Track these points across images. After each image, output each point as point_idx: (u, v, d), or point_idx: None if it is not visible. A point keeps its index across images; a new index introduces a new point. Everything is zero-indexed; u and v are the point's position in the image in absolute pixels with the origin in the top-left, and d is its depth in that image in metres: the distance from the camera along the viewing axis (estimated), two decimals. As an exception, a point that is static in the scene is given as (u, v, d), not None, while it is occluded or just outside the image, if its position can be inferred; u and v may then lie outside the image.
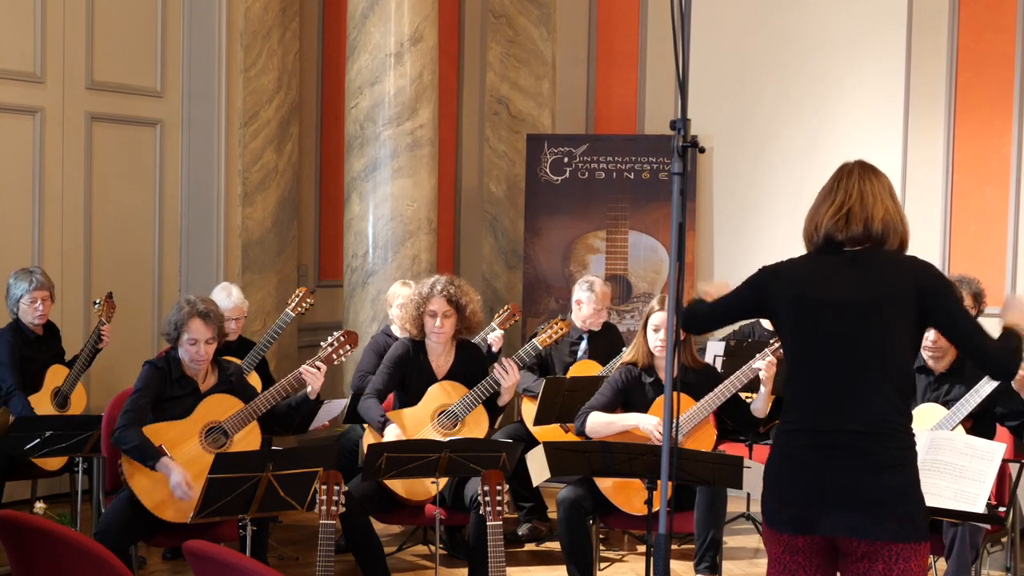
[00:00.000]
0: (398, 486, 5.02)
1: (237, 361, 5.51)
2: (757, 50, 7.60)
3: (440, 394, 5.27)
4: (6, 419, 5.37)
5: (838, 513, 2.92)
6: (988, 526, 4.45)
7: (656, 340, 5.00)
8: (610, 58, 8.22)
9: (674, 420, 3.00)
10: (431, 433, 5.17)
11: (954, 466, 4.12)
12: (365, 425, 5.51)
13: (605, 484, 4.89)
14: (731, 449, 6.04)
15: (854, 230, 3.01)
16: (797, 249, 3.20)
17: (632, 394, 5.07)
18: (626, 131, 8.05)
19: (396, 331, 6.06)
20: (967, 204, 6.91)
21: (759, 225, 7.51)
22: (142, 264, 7.14)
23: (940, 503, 4.04)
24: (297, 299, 6.13)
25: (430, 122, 7.20)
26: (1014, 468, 4.83)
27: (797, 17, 7.45)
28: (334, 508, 4.02)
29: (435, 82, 7.24)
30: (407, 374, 5.32)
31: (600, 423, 4.97)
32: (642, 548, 5.90)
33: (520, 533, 6.07)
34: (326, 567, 3.96)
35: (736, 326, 6.75)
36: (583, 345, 6.30)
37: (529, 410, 5.96)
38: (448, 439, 4.83)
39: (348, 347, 5.01)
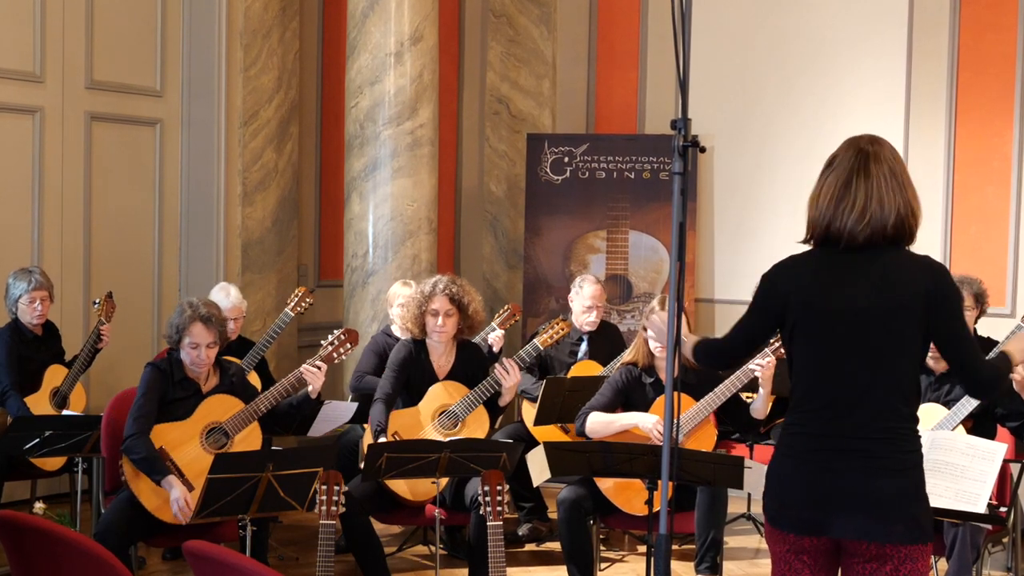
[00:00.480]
0: (399, 486, 5.01)
1: (237, 361, 5.50)
2: (758, 50, 7.60)
3: (441, 394, 5.26)
4: (4, 419, 5.37)
5: (847, 516, 2.90)
6: (989, 526, 4.45)
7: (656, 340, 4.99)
8: (611, 57, 8.21)
9: (674, 420, 3.00)
10: (432, 433, 5.17)
11: (955, 466, 4.12)
12: (365, 425, 5.51)
13: (606, 484, 4.89)
14: (732, 449, 6.04)
15: (875, 230, 2.92)
16: (797, 249, 3.17)
17: (632, 394, 5.07)
18: (627, 131, 8.05)
19: (396, 331, 6.05)
20: (968, 204, 6.91)
21: (760, 225, 7.50)
22: (142, 264, 7.13)
23: (941, 503, 4.03)
24: (296, 299, 6.12)
25: (430, 122, 7.20)
26: (1015, 468, 4.83)
27: (798, 17, 7.45)
28: (334, 508, 4.01)
29: (435, 82, 7.23)
30: (409, 375, 5.31)
31: (600, 423, 4.97)
32: (642, 548, 5.90)
33: (520, 533, 6.07)
34: (326, 567, 3.96)
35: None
36: (583, 346, 6.30)
37: (529, 411, 5.95)
38: (448, 439, 4.83)
39: (348, 345, 5.01)
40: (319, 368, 4.87)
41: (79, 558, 2.96)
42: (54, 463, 5.48)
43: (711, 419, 5.08)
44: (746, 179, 7.66)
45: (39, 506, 5.53)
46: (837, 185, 2.97)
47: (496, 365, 5.31)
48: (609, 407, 5.09)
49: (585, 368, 6.12)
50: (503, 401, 5.30)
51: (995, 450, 4.14)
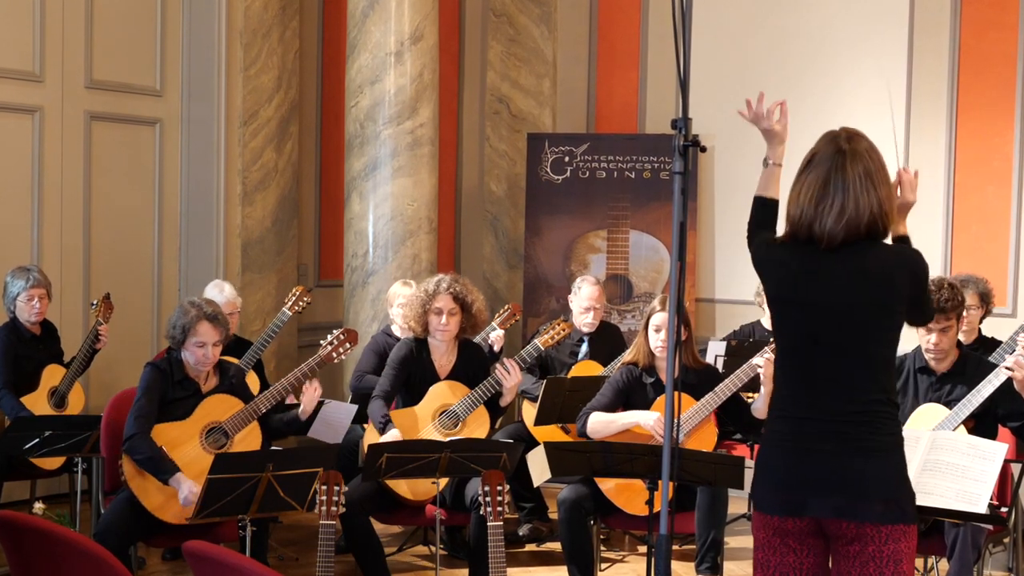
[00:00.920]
0: (399, 486, 5.00)
1: (235, 361, 5.50)
2: (758, 49, 7.59)
3: (441, 394, 5.26)
4: (2, 419, 5.37)
5: (824, 496, 2.97)
6: (990, 526, 4.44)
7: (657, 340, 4.99)
8: (611, 57, 8.21)
9: (675, 421, 3.01)
10: (432, 433, 5.16)
11: (956, 466, 4.11)
12: (365, 425, 5.50)
13: (606, 485, 4.88)
14: (732, 450, 6.03)
15: (850, 229, 3.01)
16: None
17: (633, 394, 5.07)
18: (627, 130, 8.04)
19: (396, 331, 6.04)
20: (969, 204, 6.90)
21: (760, 224, 7.48)
22: (141, 263, 7.12)
23: (942, 503, 4.02)
24: (294, 298, 6.12)
25: (430, 121, 7.19)
26: (1016, 468, 4.82)
27: (798, 16, 7.44)
28: (334, 508, 4.01)
29: (435, 81, 7.23)
30: (410, 375, 5.31)
31: (601, 422, 4.97)
32: (643, 548, 5.89)
33: (521, 533, 6.06)
34: (326, 567, 3.95)
35: (737, 326, 6.74)
36: (584, 346, 6.29)
37: (530, 411, 5.95)
38: (449, 439, 4.82)
39: (348, 345, 5.00)
40: (315, 388, 4.86)
41: (78, 558, 2.95)
42: (53, 463, 5.47)
43: (712, 419, 5.07)
44: (747, 179, 7.58)
45: (39, 506, 5.52)
46: (816, 185, 3.06)
47: (497, 365, 5.31)
48: (610, 407, 5.08)
49: (585, 368, 6.11)
50: (504, 401, 5.29)
51: (996, 450, 4.13)
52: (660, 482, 3.54)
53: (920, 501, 3.14)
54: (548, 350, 5.89)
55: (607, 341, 6.31)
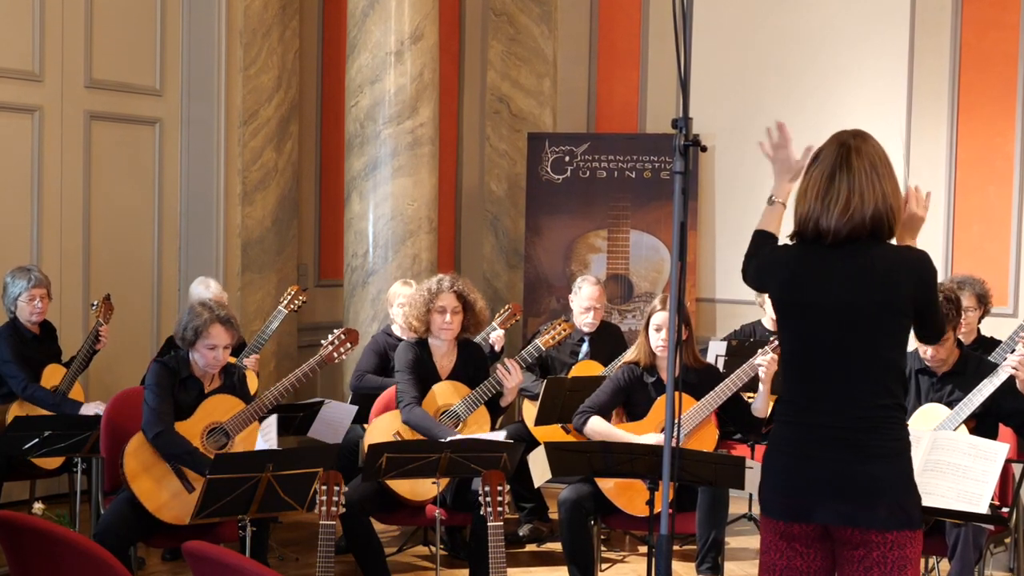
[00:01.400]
0: (400, 486, 4.99)
1: (232, 360, 5.49)
2: (759, 48, 7.58)
3: (442, 394, 5.25)
4: (2, 419, 5.36)
5: (831, 502, 2.95)
6: (991, 527, 4.43)
7: (658, 340, 4.98)
8: (611, 56, 8.20)
9: (676, 421, 3.00)
10: (432, 433, 5.15)
11: (957, 466, 4.10)
12: (365, 425, 5.50)
13: (607, 485, 4.88)
14: (733, 450, 6.02)
15: (856, 223, 2.99)
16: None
17: (634, 394, 5.06)
18: (627, 130, 8.03)
19: (397, 331, 6.04)
20: (970, 203, 6.89)
21: (761, 224, 7.47)
22: (141, 263, 7.12)
23: (943, 503, 4.02)
24: (289, 297, 6.12)
25: (430, 121, 7.18)
26: (1017, 468, 4.81)
27: (799, 15, 7.44)
28: (334, 508, 4.00)
29: (436, 80, 7.22)
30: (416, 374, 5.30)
31: (599, 433, 4.95)
32: (644, 549, 5.88)
33: (521, 534, 6.05)
34: (326, 568, 3.94)
35: (737, 326, 6.74)
36: (584, 346, 6.29)
37: (530, 411, 5.94)
38: (449, 439, 4.81)
39: (348, 345, 4.99)
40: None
41: (78, 558, 2.95)
42: (52, 462, 5.46)
43: (712, 419, 5.07)
44: (747, 178, 7.64)
45: (38, 506, 5.52)
46: (822, 180, 3.05)
47: (498, 365, 5.30)
48: (609, 405, 5.08)
49: (586, 368, 6.10)
50: (505, 401, 5.29)
51: (997, 450, 4.12)
52: (661, 482, 3.53)
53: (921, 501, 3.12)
54: (549, 350, 5.88)
55: (608, 341, 6.31)
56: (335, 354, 4.98)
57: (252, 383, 5.87)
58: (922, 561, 5.23)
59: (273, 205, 7.41)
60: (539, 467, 4.41)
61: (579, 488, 4.91)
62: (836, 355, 3.00)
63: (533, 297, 7.78)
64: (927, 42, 6.97)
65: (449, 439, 4.80)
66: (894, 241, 3.08)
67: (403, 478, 4.73)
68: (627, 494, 4.88)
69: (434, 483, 4.70)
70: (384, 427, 5.22)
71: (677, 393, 3.03)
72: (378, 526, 5.14)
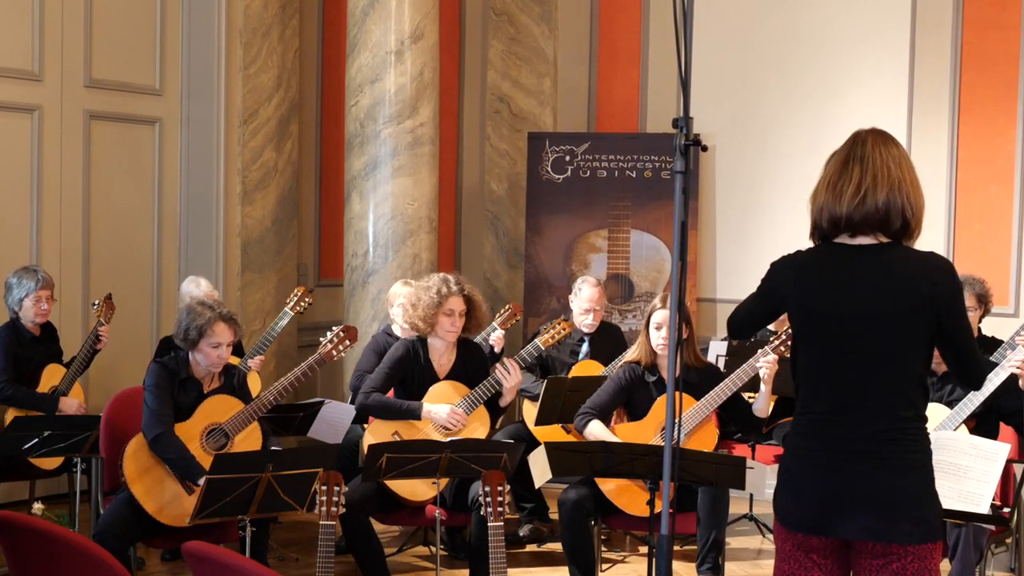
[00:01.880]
0: (400, 486, 4.99)
1: (235, 361, 5.48)
2: (760, 48, 7.58)
3: (442, 394, 5.24)
4: (1, 420, 5.35)
5: (853, 516, 2.90)
6: (992, 527, 4.43)
7: (658, 338, 4.97)
8: (612, 56, 8.19)
9: (676, 420, 2.98)
10: (432, 433, 5.15)
11: (958, 466, 4.10)
12: (365, 426, 5.49)
13: (607, 486, 4.87)
14: (733, 450, 6.02)
15: (868, 207, 2.92)
16: (800, 247, 3.15)
17: (635, 393, 5.05)
18: (628, 129, 8.03)
19: (397, 331, 6.03)
20: (971, 203, 6.88)
21: (762, 223, 7.48)
22: (141, 263, 7.11)
23: (944, 503, 3.98)
24: (296, 298, 6.11)
25: (431, 120, 7.17)
26: (1018, 468, 4.81)
27: (800, 14, 7.43)
28: (334, 509, 3.99)
29: (436, 80, 7.21)
30: (408, 374, 5.30)
31: (598, 438, 4.94)
32: (644, 549, 5.87)
33: (521, 534, 6.05)
34: (326, 568, 3.94)
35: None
36: (584, 346, 6.28)
37: (530, 411, 5.93)
38: (449, 439, 4.81)
39: (348, 343, 4.98)
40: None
41: (77, 559, 2.94)
42: (51, 462, 5.46)
43: (712, 419, 5.06)
44: (748, 178, 7.64)
45: (38, 506, 5.51)
46: (834, 168, 3.00)
47: (497, 365, 5.29)
48: (610, 405, 5.07)
49: (586, 368, 6.10)
50: (504, 401, 5.28)
51: (998, 450, 4.12)
52: (661, 482, 3.52)
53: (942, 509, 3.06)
54: (549, 350, 5.87)
55: (608, 341, 6.30)
56: (334, 352, 4.97)
57: (255, 384, 5.88)
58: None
59: (273, 205, 7.40)
60: (539, 467, 4.41)
61: (579, 488, 4.90)
62: (856, 366, 2.93)
63: (533, 297, 7.77)
64: (928, 41, 6.96)
65: (449, 439, 4.80)
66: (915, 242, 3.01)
67: (403, 478, 4.72)
68: (627, 494, 4.87)
69: (434, 483, 4.70)
70: (384, 427, 5.21)
71: (677, 393, 3.00)
72: (378, 526, 5.14)
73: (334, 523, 4.01)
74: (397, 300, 6.01)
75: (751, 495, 6.24)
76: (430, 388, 5.25)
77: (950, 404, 4.69)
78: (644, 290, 7.64)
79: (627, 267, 7.68)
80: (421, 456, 4.52)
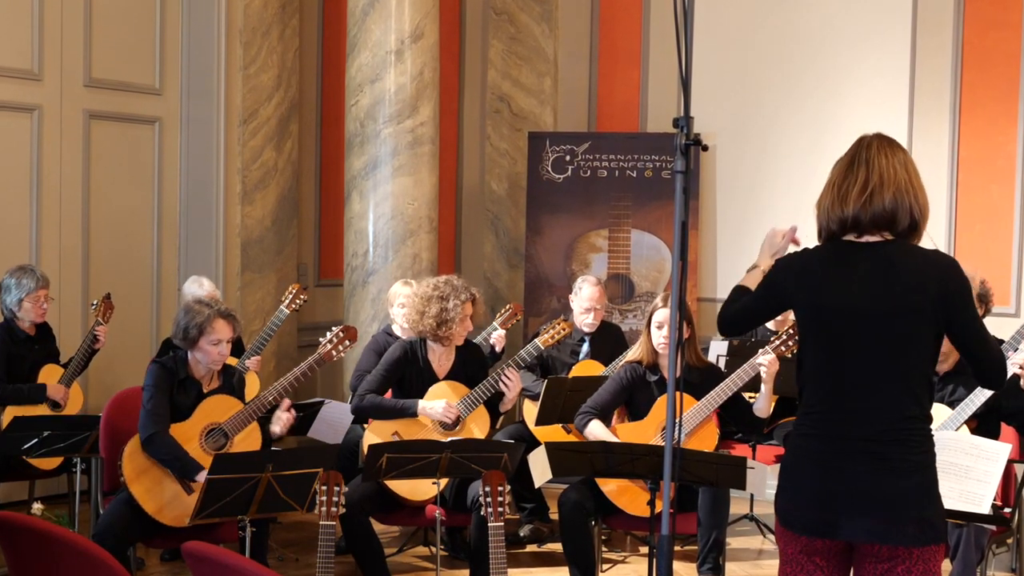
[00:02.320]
0: (400, 487, 4.98)
1: (233, 361, 5.48)
2: (760, 47, 7.57)
3: (441, 395, 5.23)
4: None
5: (857, 518, 2.89)
6: (993, 527, 4.42)
7: (659, 337, 4.97)
8: (612, 55, 8.19)
9: (677, 420, 2.97)
10: (432, 433, 5.14)
11: (959, 466, 4.09)
12: (365, 426, 5.48)
13: (608, 487, 4.86)
14: (734, 450, 6.01)
15: (876, 206, 2.92)
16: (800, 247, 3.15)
17: (636, 393, 5.05)
18: (628, 129, 8.02)
19: (397, 330, 6.02)
20: (972, 203, 6.88)
21: (762, 223, 7.40)
22: (140, 263, 7.10)
23: (945, 504, 3.99)
24: (291, 296, 6.10)
25: (431, 120, 7.17)
26: (1019, 469, 4.80)
27: (801, 14, 7.42)
28: (334, 509, 3.99)
29: (436, 79, 7.20)
30: (406, 375, 5.29)
31: (598, 438, 4.93)
32: (644, 549, 5.86)
33: (522, 534, 6.04)
34: (326, 568, 3.93)
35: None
36: (585, 346, 6.27)
37: (531, 411, 5.93)
38: (449, 439, 4.80)
39: (347, 343, 4.98)
40: (288, 416, 4.82)
41: (77, 559, 2.93)
42: (50, 463, 5.45)
43: (713, 419, 5.05)
44: (749, 177, 7.63)
45: (37, 507, 5.51)
46: (840, 172, 3.00)
47: (498, 371, 5.28)
48: (611, 405, 5.07)
49: (586, 368, 6.09)
50: (504, 407, 5.29)
51: (999, 450, 4.11)
52: (662, 483, 3.51)
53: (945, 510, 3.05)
54: (549, 350, 5.87)
55: (608, 341, 6.29)
56: (333, 352, 4.96)
57: (254, 384, 5.87)
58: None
59: (273, 204, 7.39)
60: (540, 467, 4.40)
61: (580, 488, 4.90)
62: (861, 364, 2.92)
63: (534, 297, 7.77)
64: (929, 41, 6.95)
65: (450, 439, 4.79)
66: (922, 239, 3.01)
67: (403, 478, 4.71)
68: (628, 495, 4.86)
69: (434, 483, 4.69)
70: (384, 427, 5.20)
71: (678, 393, 3.00)
72: (378, 526, 5.13)
73: (334, 523, 4.00)
74: (397, 300, 6.01)
75: (752, 495, 6.23)
76: (429, 388, 5.24)
77: (951, 404, 4.68)
78: (645, 290, 7.63)
79: (627, 267, 7.67)
80: (421, 456, 4.51)
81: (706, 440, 4.97)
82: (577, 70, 8.30)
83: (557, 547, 5.47)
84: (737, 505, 5.48)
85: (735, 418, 5.10)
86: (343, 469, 4.85)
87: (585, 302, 6.21)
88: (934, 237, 6.69)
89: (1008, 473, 4.63)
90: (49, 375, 5.69)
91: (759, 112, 7.57)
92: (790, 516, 2.99)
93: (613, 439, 4.91)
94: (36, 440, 4.95)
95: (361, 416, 5.38)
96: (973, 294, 3.00)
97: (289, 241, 7.55)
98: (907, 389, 2.91)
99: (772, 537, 5.88)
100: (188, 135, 7.22)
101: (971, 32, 6.86)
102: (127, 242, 7.02)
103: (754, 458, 5.85)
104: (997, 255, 6.77)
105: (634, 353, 5.13)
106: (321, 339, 5.01)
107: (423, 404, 5.15)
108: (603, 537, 5.65)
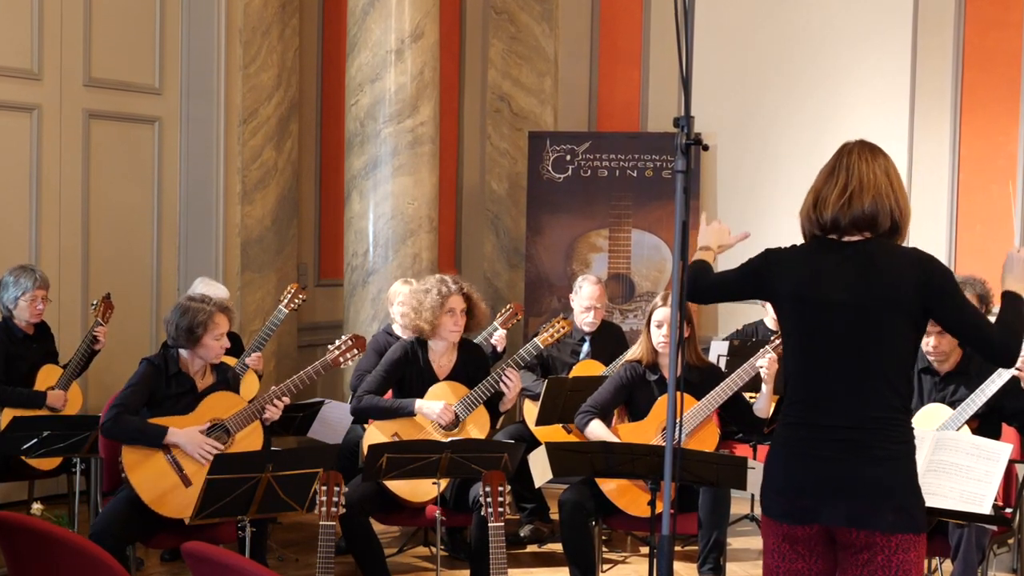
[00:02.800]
0: (400, 487, 4.98)
1: (232, 360, 5.47)
2: (761, 47, 7.57)
3: (440, 395, 5.23)
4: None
5: (836, 503, 2.93)
6: (994, 527, 4.41)
7: (659, 336, 4.96)
8: (613, 55, 8.18)
9: (678, 420, 2.98)
10: (432, 434, 5.14)
11: (960, 467, 4.09)
12: (366, 426, 5.48)
13: (608, 487, 4.85)
14: (734, 450, 6.01)
15: (855, 209, 2.99)
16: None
17: (636, 392, 5.04)
18: (629, 128, 8.02)
19: (397, 330, 6.02)
20: (973, 203, 6.87)
21: (763, 223, 7.42)
22: (140, 263, 7.10)
23: (946, 504, 4.00)
24: (289, 295, 6.10)
25: (431, 119, 7.16)
26: (1020, 469, 4.79)
27: (802, 13, 7.42)
28: (334, 509, 3.99)
29: (436, 79, 7.20)
30: (406, 375, 5.29)
31: (598, 438, 4.93)
32: (645, 550, 5.86)
33: (522, 534, 6.04)
34: (326, 568, 3.93)
35: (739, 325, 6.72)
36: (585, 346, 6.27)
37: (531, 411, 5.92)
38: (449, 440, 4.80)
39: (355, 351, 4.98)
40: (277, 406, 4.82)
41: (76, 559, 2.93)
42: (49, 463, 5.45)
43: (713, 419, 5.05)
44: (749, 177, 7.63)
45: (37, 507, 5.50)
46: (821, 179, 3.09)
47: (499, 372, 5.27)
48: (611, 404, 5.06)
49: (587, 368, 6.09)
50: (504, 407, 5.29)
51: (1000, 451, 4.11)
52: (662, 483, 3.51)
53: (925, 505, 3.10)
54: (549, 349, 5.86)
55: (609, 340, 6.29)
56: (341, 359, 4.97)
57: (254, 382, 5.87)
58: (925, 562, 5.21)
59: (273, 204, 7.39)
60: (540, 467, 4.40)
61: (580, 488, 4.89)
62: (842, 355, 2.99)
63: (534, 297, 7.76)
64: (929, 41, 6.95)
65: (450, 439, 4.79)
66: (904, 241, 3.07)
67: (403, 478, 4.71)
68: (628, 495, 4.86)
69: (434, 484, 4.69)
70: (385, 427, 5.20)
71: (678, 392, 3.00)
72: (378, 527, 5.13)
73: (334, 523, 4.00)
74: (397, 299, 6.00)
75: (752, 495, 6.22)
76: (429, 389, 5.24)
77: (952, 404, 4.67)
78: (645, 290, 7.63)
79: (628, 267, 7.66)
80: (421, 456, 4.51)
81: (707, 440, 4.96)
82: (577, 70, 8.29)
83: (557, 547, 5.47)
84: (738, 505, 5.48)
85: (735, 418, 5.10)
86: (343, 469, 4.84)
87: (585, 301, 6.21)
88: (935, 237, 6.73)
89: (1009, 473, 4.62)
90: (48, 375, 5.68)
91: (759, 112, 7.57)
92: (771, 504, 3.05)
93: (614, 439, 4.90)
94: (35, 440, 4.94)
95: (360, 417, 5.38)
96: (955, 281, 3.03)
97: (289, 241, 7.54)
98: (887, 381, 2.97)
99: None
100: (188, 135, 7.21)
101: (972, 32, 6.85)
102: (127, 242, 7.01)
103: (755, 458, 5.84)
104: (998, 256, 6.69)
105: (634, 352, 5.12)
106: (329, 346, 5.01)
107: (420, 403, 5.15)
108: (603, 537, 5.65)
